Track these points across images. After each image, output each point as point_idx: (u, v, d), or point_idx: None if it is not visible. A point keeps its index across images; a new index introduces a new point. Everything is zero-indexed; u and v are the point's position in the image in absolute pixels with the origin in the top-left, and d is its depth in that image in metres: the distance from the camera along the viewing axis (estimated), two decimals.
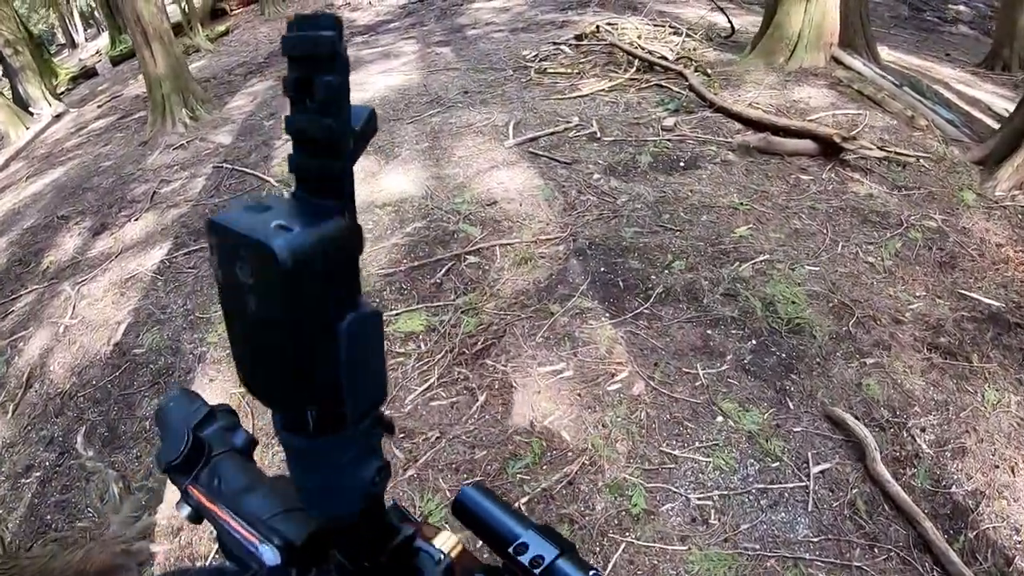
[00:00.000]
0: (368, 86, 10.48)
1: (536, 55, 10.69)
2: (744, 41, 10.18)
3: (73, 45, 46.58)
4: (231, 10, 27.01)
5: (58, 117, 17.69)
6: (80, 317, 6.29)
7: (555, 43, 11.17)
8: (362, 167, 7.52)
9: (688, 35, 10.74)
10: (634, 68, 9.32)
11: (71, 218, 8.52)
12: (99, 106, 17.42)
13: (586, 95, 8.68)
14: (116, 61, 25.73)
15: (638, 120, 7.78)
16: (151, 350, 5.55)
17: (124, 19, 10.97)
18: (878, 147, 6.70)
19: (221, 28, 23.40)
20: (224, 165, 8.75)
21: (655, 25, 11.42)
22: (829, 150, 6.71)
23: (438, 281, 5.35)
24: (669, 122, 7.57)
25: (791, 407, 4.06)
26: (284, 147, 8.84)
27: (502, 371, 4.39)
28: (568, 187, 6.46)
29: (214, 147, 9.66)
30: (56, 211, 8.82)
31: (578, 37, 11.20)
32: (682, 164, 6.81)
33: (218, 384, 4.96)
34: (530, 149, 7.26)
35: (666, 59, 9.50)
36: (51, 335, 6.13)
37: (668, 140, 7.25)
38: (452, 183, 6.83)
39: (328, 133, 0.49)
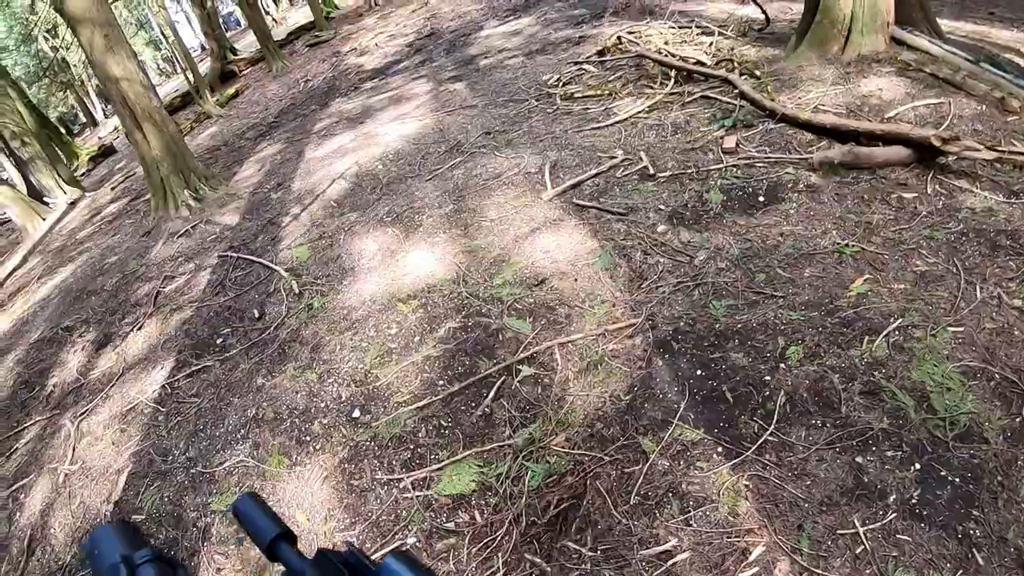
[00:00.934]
0: (380, 139, 9.25)
1: (558, 79, 9.38)
2: (783, 32, 8.89)
3: (94, 123, 46.25)
4: (240, 71, 26.10)
5: (73, 204, 16.75)
6: (80, 462, 5.33)
7: (576, 62, 9.87)
8: (381, 245, 6.26)
9: (720, 34, 9.35)
10: (671, 81, 7.96)
11: (75, 329, 7.58)
12: (112, 188, 16.44)
13: (625, 120, 7.32)
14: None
15: (692, 144, 6.41)
16: (151, 517, 4.42)
17: (112, 103, 9.84)
18: (986, 146, 5.24)
19: (231, 91, 22.42)
20: (230, 253, 7.57)
21: (680, 27, 10.09)
22: (926, 155, 5.30)
23: (487, 410, 4.00)
24: (729, 142, 6.21)
25: (980, 562, 2.68)
26: (291, 226, 7.66)
27: (590, 558, 3.02)
28: (630, 247, 5.10)
29: (220, 230, 8.53)
30: (61, 320, 7.95)
31: (600, 53, 9.90)
32: (761, 198, 5.42)
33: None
34: (574, 200, 5.90)
35: (704, 64, 8.15)
36: (51, 486, 5.22)
37: (734, 166, 5.88)
38: (488, 257, 5.51)
39: None
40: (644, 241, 5.11)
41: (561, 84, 9.14)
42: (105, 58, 9.21)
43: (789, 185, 5.50)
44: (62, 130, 51.66)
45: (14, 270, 13.08)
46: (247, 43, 28.44)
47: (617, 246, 5.13)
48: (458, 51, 14.47)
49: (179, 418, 5.27)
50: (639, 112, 7.43)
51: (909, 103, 6.23)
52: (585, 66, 9.61)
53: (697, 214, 5.35)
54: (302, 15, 29.26)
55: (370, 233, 6.55)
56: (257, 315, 6.13)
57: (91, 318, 7.69)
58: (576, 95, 8.52)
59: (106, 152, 26.13)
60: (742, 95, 6.98)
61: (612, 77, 8.89)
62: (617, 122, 7.33)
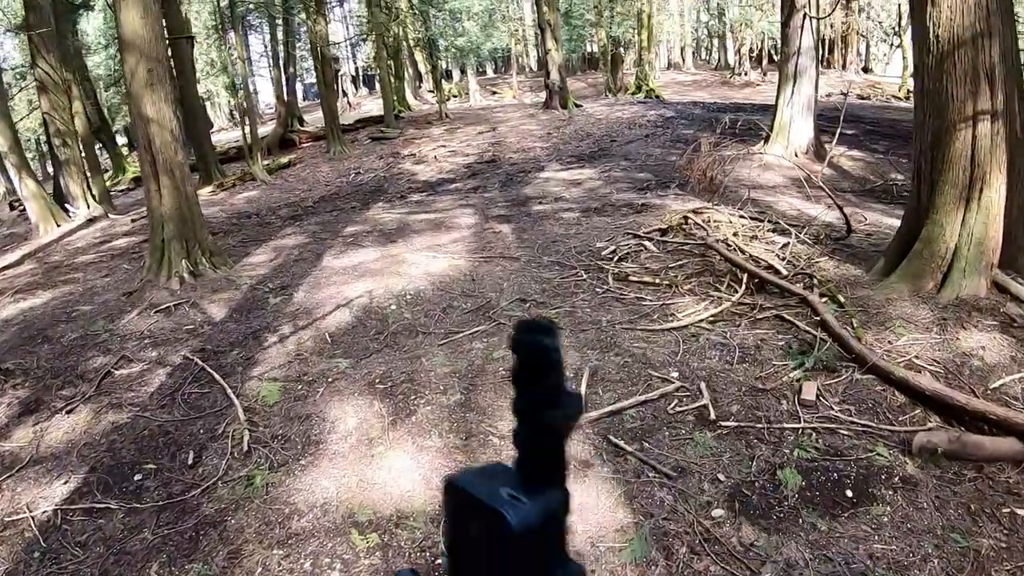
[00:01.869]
0: (405, 268, 8.04)
1: (614, 250, 8.18)
2: (863, 246, 7.80)
3: None
4: (300, 142, 25.46)
5: (92, 221, 15.77)
6: None
7: (635, 234, 8.70)
8: (360, 423, 4.89)
9: (794, 234, 8.21)
10: (742, 286, 6.71)
11: (12, 376, 6.56)
12: (133, 220, 15.38)
13: (684, 326, 6.01)
14: None
15: (763, 383, 5.07)
16: None
17: (136, 142, 8.75)
18: None
19: (284, 160, 21.65)
20: (197, 360, 6.25)
21: (752, 219, 8.95)
22: None
23: None
24: (809, 391, 4.89)
25: None
26: (274, 348, 6.35)
27: None
28: (673, 535, 3.68)
29: (200, 322, 7.31)
30: (4, 358, 6.98)
31: (663, 231, 8.73)
32: (848, 491, 4.04)
33: None
34: (610, 436, 4.48)
35: (779, 274, 6.96)
36: None
37: (814, 429, 4.51)
38: None
39: (551, 420, 0.57)
40: (693, 530, 3.68)
41: (616, 258, 7.93)
42: (142, 93, 8.20)
43: (883, 476, 4.13)
44: (121, 141, 51.62)
45: (6, 267, 12.32)
46: (316, 117, 27.91)
47: (657, 528, 3.70)
48: (513, 187, 13.45)
49: (55, 567, 3.97)
50: (702, 320, 6.13)
51: (1016, 373, 4.97)
52: (645, 242, 8.43)
53: (767, 501, 3.94)
54: (376, 105, 28.90)
55: (354, 398, 5.19)
56: (191, 461, 4.75)
57: (33, 370, 6.67)
58: (631, 276, 7.27)
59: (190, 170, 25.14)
60: (823, 325, 5.71)
61: (673, 263, 7.67)
62: (675, 328, 6.01)
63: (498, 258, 8.26)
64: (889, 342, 5.50)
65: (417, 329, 6.23)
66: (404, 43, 31.67)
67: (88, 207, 16.47)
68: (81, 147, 17.38)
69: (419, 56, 35.67)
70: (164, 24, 8.38)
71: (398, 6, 27.15)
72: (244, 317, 7.21)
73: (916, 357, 5.22)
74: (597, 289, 7.04)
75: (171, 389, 5.86)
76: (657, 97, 29.43)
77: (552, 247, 8.64)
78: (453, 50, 31.51)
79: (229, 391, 5.54)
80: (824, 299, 6.30)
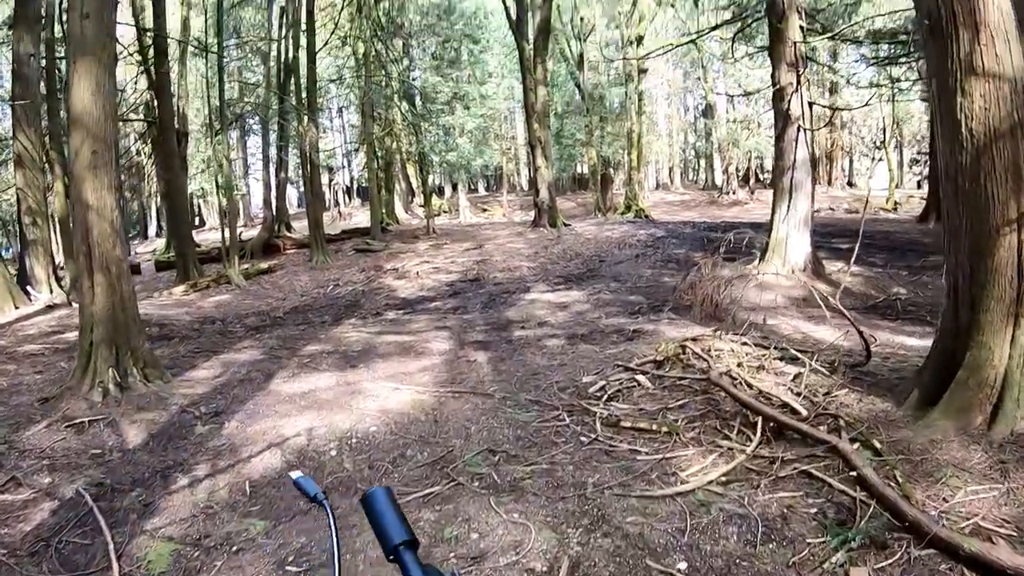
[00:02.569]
0: (359, 402, 6.88)
1: (603, 387, 7.08)
2: (887, 374, 6.84)
3: (144, 236, 45.08)
4: (284, 248, 24.61)
5: (51, 308, 14.57)
6: None
7: (627, 366, 7.62)
8: None
9: (803, 361, 7.20)
10: (756, 433, 5.57)
11: None
12: None
13: (690, 491, 4.82)
14: (160, 266, 23.25)
15: (799, 572, 3.86)
16: None
17: (73, 231, 7.75)
18: None
19: (264, 265, 20.72)
20: (87, 497, 5.01)
21: (755, 345, 7.91)
22: None
23: None
24: None
25: None
26: (181, 494, 5.13)
27: None
28: None
29: (110, 447, 6.16)
30: None
31: (658, 363, 7.67)
32: None
33: None
34: None
35: (797, 413, 5.88)
36: None
37: None
38: None
39: None
40: None
41: (605, 397, 6.79)
42: (84, 175, 7.24)
43: None
44: None
45: None
46: (305, 224, 27.18)
47: None
48: (496, 309, 12.43)
49: None
50: (711, 481, 4.95)
51: None
52: (638, 376, 7.31)
53: None
54: (367, 216, 28.22)
55: None
56: None
57: None
58: (623, 422, 6.10)
59: (130, 269, 24.09)
60: (861, 482, 4.56)
61: (672, 403, 6.54)
62: (679, 494, 4.82)
63: (469, 393, 7.10)
64: (944, 499, 4.35)
65: (356, 486, 5.01)
66: (397, 156, 31.35)
67: (51, 292, 15.38)
68: (56, 229, 16.47)
69: (411, 170, 35.38)
70: (115, 106, 7.43)
71: (392, 118, 26.83)
72: (161, 447, 5.99)
73: (982, 519, 4.06)
74: (583, 438, 5.86)
75: (50, 532, 4.62)
76: (647, 217, 29.01)
77: (532, 381, 7.51)
78: (444, 165, 31.20)
79: (111, 549, 4.30)
80: (856, 445, 5.17)
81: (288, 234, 27.67)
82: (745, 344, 8.11)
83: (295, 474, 1.54)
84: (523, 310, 12.13)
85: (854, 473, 4.70)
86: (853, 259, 8.74)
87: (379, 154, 28.81)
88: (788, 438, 5.52)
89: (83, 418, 6.64)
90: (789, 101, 12.61)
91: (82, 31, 6.98)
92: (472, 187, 46.96)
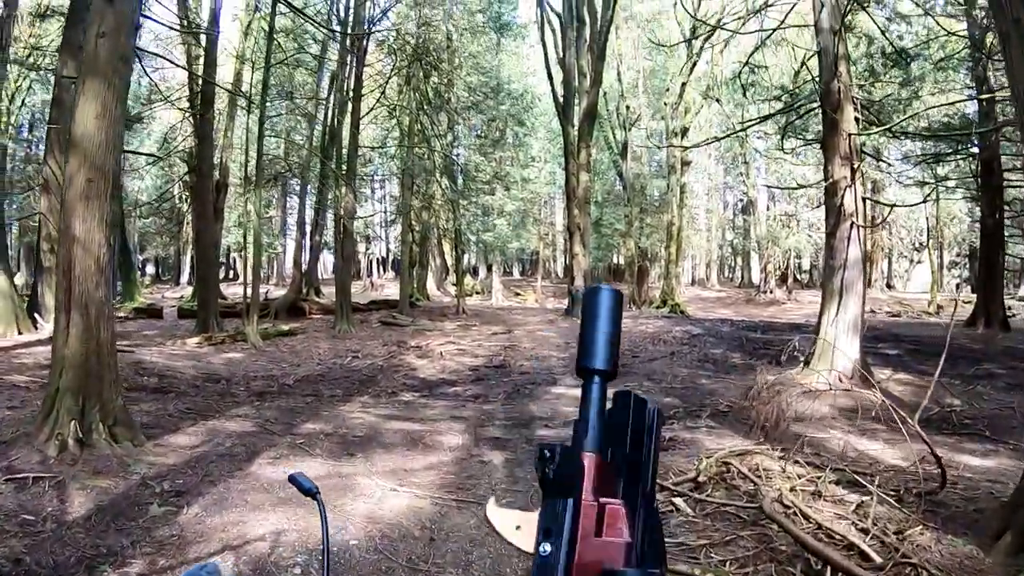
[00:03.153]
0: (348, 503, 5.78)
1: None
2: (962, 505, 5.88)
3: (177, 282, 44.70)
4: (310, 312, 23.85)
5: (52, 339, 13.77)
6: None
7: (662, 485, 6.43)
8: None
9: (866, 487, 6.08)
10: None
11: None
12: None
13: None
14: (182, 314, 22.63)
15: None
16: None
17: (56, 264, 6.92)
18: None
19: (285, 327, 19.90)
20: None
21: (808, 464, 6.77)
22: None
23: None
24: None
25: None
26: None
27: None
28: None
29: (47, 515, 5.16)
30: None
31: (698, 483, 6.52)
32: None
33: None
34: None
35: (868, 559, 4.79)
36: None
37: None
38: None
39: None
40: None
41: None
42: (75, 205, 6.42)
43: None
44: (150, 271, 50.16)
45: None
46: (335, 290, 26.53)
47: None
48: (519, 401, 11.33)
49: None
50: None
51: None
52: (675, 499, 6.16)
53: None
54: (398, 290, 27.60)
55: None
56: None
57: None
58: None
59: (152, 313, 23.63)
60: None
61: (717, 536, 5.38)
62: None
63: (477, 504, 5.99)
64: None
65: None
66: (433, 231, 30.75)
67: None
68: None
69: (446, 246, 34.75)
70: (121, 136, 6.68)
71: (432, 193, 26.26)
72: (103, 525, 4.94)
73: None
74: None
75: None
76: (682, 312, 27.84)
77: None
78: (480, 244, 30.50)
79: None
80: None
81: (316, 298, 26.95)
82: (797, 463, 6.98)
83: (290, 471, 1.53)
84: (549, 405, 11.02)
85: None
86: (938, 373, 7.62)
87: (415, 228, 28.22)
88: None
89: (29, 473, 5.71)
90: (843, 196, 11.70)
91: (96, 49, 6.27)
92: (507, 270, 46.31)
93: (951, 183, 22.74)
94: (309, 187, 31.88)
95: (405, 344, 18.04)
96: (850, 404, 10.73)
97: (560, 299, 32.41)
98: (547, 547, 0.72)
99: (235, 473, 6.24)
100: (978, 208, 25.81)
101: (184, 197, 30.11)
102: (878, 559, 4.83)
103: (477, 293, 33.97)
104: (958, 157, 20.97)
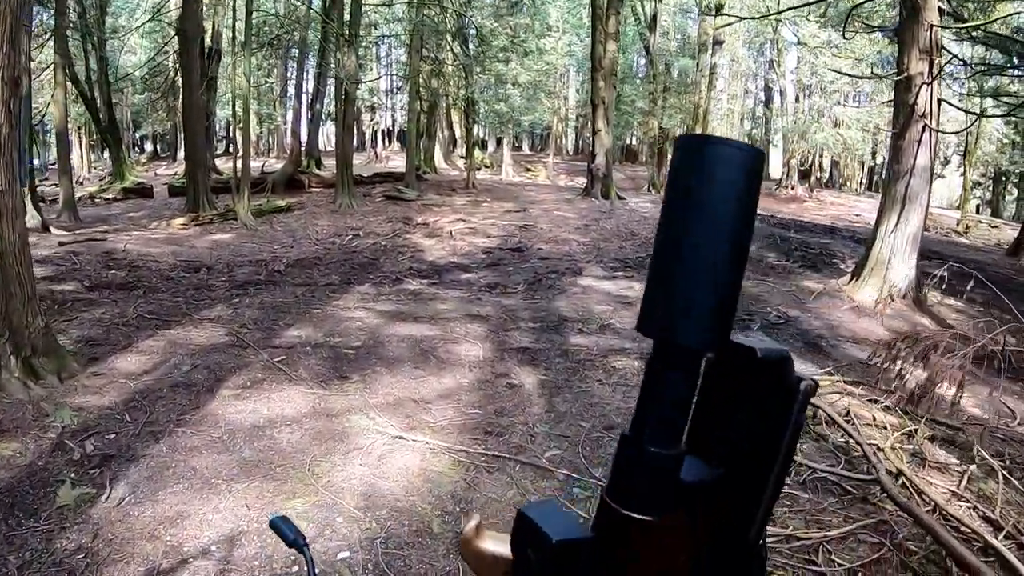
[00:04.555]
0: (334, 463, 4.12)
1: None
2: None
3: (175, 158, 42.41)
4: (309, 185, 21.85)
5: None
6: None
7: None
8: None
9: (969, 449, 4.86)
10: None
11: None
12: (62, 243, 11.61)
13: None
14: (173, 192, 20.62)
15: None
16: None
17: None
18: None
19: (281, 202, 18.00)
20: None
21: (900, 411, 5.36)
22: None
23: None
24: None
25: None
26: None
27: None
28: None
29: None
30: None
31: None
32: None
33: None
34: None
35: (1014, 570, 3.38)
36: None
37: None
38: None
39: None
40: None
41: None
42: None
43: None
44: (144, 145, 48.07)
45: None
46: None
47: None
48: (543, 294, 9.63)
49: None
50: None
51: None
52: None
53: None
54: (404, 162, 25.41)
55: None
56: None
57: None
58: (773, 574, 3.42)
59: (143, 192, 21.75)
60: None
61: (829, 521, 3.94)
62: None
63: (514, 459, 4.35)
64: None
65: None
66: (442, 100, 28.23)
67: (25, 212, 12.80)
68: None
69: (455, 117, 32.24)
70: None
71: (442, 58, 23.71)
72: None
73: None
74: None
75: None
76: None
77: (607, 443, 4.77)
78: (492, 115, 28.03)
79: None
80: None
81: (316, 171, 24.83)
82: (887, 409, 5.42)
83: (273, 515, 1.38)
84: (577, 301, 9.34)
85: None
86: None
87: (423, 96, 25.76)
88: None
89: None
90: (917, 93, 9.83)
91: None
92: (517, 144, 43.67)
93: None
94: (310, 54, 29.22)
95: (411, 221, 16.21)
96: (904, 327, 9.18)
97: (572, 177, 30.28)
98: None
99: (188, 416, 4.56)
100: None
101: (176, 69, 27.61)
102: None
103: (486, 167, 31.64)
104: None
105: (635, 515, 0.46)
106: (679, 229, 0.43)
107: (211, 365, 5.56)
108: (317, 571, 1.27)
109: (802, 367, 6.71)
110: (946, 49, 11.91)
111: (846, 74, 21.32)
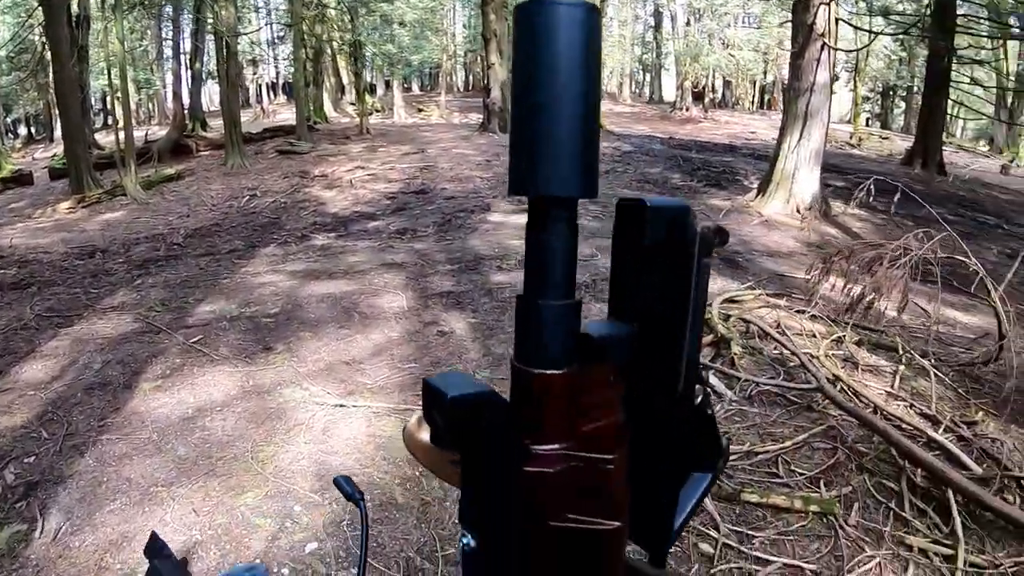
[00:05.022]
0: (278, 445, 3.83)
1: None
2: (989, 375, 4.78)
3: (52, 139, 39.53)
4: (197, 149, 20.60)
5: None
6: None
7: None
8: None
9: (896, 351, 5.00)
10: (959, 528, 3.09)
11: None
12: None
13: None
14: (55, 174, 18.98)
15: None
16: None
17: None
18: None
19: (170, 171, 16.93)
20: None
21: (825, 318, 5.53)
22: None
23: None
24: None
25: None
26: None
27: None
28: None
29: None
30: None
31: (715, 344, 5.12)
32: None
33: None
34: None
35: (963, 466, 3.53)
36: None
37: None
38: None
39: None
40: None
41: None
42: None
43: None
44: (17, 129, 44.64)
45: None
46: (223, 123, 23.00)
47: None
48: (455, 234, 9.40)
49: None
50: None
51: None
52: (707, 374, 4.58)
53: None
54: (293, 114, 24.08)
55: None
56: None
57: None
58: (745, 491, 3.38)
59: (21, 180, 20.05)
60: None
61: (781, 432, 3.95)
62: None
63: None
64: None
65: None
66: (328, 46, 26.92)
67: None
68: None
69: (342, 63, 30.89)
70: None
71: (325, 1, 22.48)
72: None
73: None
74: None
75: None
76: (601, 127, 25.69)
77: None
78: (380, 58, 26.98)
79: None
80: None
81: (203, 133, 23.42)
82: (815, 318, 5.51)
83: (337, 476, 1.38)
84: (491, 238, 9.13)
85: None
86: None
87: (308, 43, 24.48)
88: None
89: None
90: (815, 13, 10.01)
91: None
92: (407, 86, 42.34)
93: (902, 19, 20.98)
94: (184, 10, 27.26)
95: (308, 174, 15.50)
96: (814, 239, 9.41)
97: (465, 114, 29.59)
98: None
99: (110, 420, 4.16)
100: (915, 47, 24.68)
101: (44, 43, 25.34)
102: (975, 468, 3.44)
103: (378, 111, 30.47)
104: None
105: (536, 370, 0.46)
106: (531, 90, 0.43)
107: (124, 358, 5.11)
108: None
109: (723, 283, 6.78)
110: None
111: None
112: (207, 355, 5.10)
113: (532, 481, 0.47)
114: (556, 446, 0.47)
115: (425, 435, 0.54)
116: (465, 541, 0.50)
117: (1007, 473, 3.32)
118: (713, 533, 3.05)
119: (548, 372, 0.46)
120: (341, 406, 4.20)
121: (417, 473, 3.48)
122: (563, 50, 0.43)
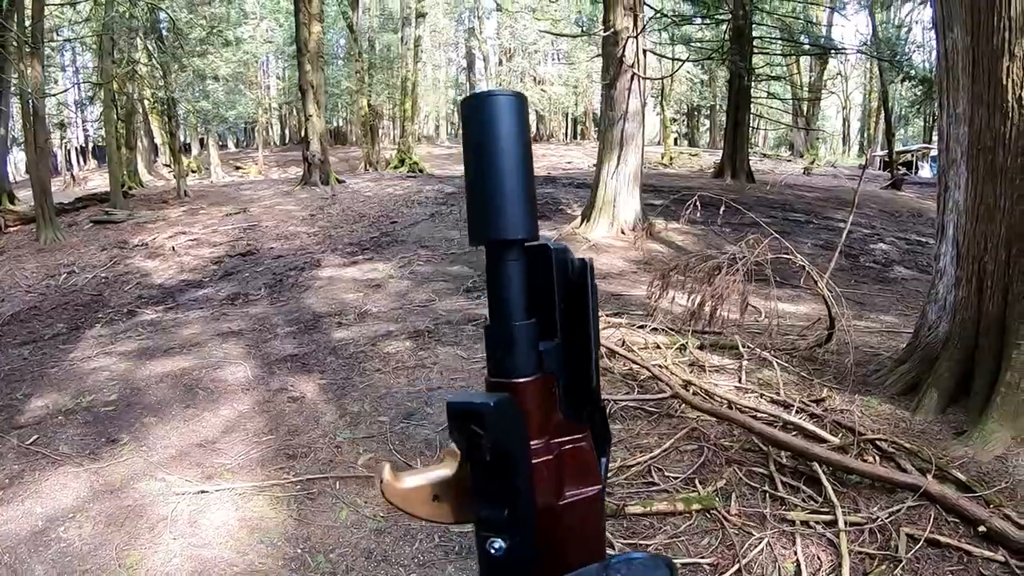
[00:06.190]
0: (148, 553, 3.49)
1: None
2: (832, 359, 5.26)
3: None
4: (6, 226, 18.50)
5: None
6: None
7: None
8: None
9: (736, 349, 5.43)
10: (832, 496, 3.45)
11: None
12: None
13: None
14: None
15: None
16: None
17: None
18: None
19: None
20: None
21: (665, 331, 5.91)
22: None
23: None
24: None
25: None
26: None
27: None
28: None
29: None
30: None
31: None
32: None
33: None
34: None
35: (820, 439, 3.88)
36: None
37: None
38: None
39: None
40: None
41: None
42: None
43: None
44: None
45: None
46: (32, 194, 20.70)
47: None
48: (289, 294, 9.09)
49: None
50: None
51: None
52: None
53: None
54: (106, 180, 22.12)
55: None
56: None
57: None
58: (628, 505, 3.52)
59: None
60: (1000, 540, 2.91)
61: (648, 442, 4.13)
62: None
63: (330, 476, 4.01)
64: None
65: None
66: (139, 105, 25.10)
67: None
68: None
69: (155, 123, 29.02)
70: None
71: (135, 58, 20.93)
72: None
73: None
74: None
75: None
76: (421, 171, 25.69)
77: (415, 428, 4.59)
78: (195, 115, 25.55)
79: None
80: (932, 476, 3.40)
81: (11, 206, 21.08)
82: (656, 331, 5.86)
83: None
84: (326, 294, 8.91)
85: (982, 528, 2.98)
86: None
87: (119, 102, 22.69)
88: (845, 483, 3.55)
89: None
90: (624, 46, 10.62)
91: None
92: (222, 143, 40.42)
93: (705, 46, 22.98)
94: None
95: (128, 244, 14.38)
96: (640, 256, 9.94)
97: (284, 168, 28.70)
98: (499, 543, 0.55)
99: None
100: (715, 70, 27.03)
101: None
102: (831, 438, 3.85)
103: (194, 172, 28.72)
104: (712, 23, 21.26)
105: (516, 380, 0.55)
106: (481, 161, 0.53)
107: None
108: None
109: None
110: (648, 4, 12.89)
111: (555, 34, 22.76)
112: (47, 456, 4.56)
113: (539, 472, 0.55)
114: (541, 441, 0.56)
115: (402, 482, 0.58)
116: (497, 546, 0.55)
117: (862, 437, 3.71)
118: (608, 551, 3.12)
119: (524, 380, 0.55)
120: (203, 492, 3.92)
121: (299, 550, 3.31)
122: (504, 129, 0.53)
